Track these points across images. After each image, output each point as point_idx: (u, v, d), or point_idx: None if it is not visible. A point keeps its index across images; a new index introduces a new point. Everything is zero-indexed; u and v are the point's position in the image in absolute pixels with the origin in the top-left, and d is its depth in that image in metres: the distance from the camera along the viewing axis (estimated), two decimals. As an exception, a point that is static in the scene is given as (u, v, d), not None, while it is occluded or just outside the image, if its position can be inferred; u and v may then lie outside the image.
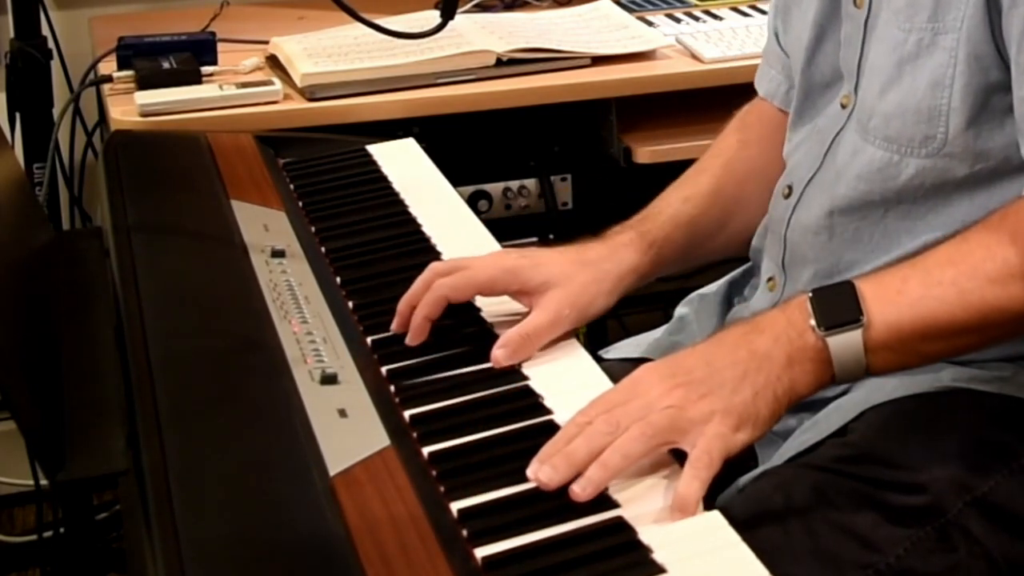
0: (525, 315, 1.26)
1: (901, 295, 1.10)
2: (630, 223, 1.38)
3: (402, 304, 1.26)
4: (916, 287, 1.10)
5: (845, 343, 1.08)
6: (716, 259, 1.47)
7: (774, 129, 1.45)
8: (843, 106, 1.30)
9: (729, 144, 1.48)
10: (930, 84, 1.19)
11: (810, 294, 1.10)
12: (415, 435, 1.10)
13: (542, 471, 1.02)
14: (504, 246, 1.43)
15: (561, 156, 2.17)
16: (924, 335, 1.10)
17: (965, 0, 1.16)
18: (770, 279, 1.37)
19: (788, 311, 1.10)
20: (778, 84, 1.47)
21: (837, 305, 1.09)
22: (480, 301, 1.30)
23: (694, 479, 1.01)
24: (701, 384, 1.06)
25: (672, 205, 1.40)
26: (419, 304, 1.24)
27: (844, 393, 1.25)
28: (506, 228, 1.92)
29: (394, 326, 1.25)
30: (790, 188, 1.34)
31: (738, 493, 1.20)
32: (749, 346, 1.09)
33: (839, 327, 1.08)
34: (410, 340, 1.23)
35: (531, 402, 1.14)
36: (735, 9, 2.33)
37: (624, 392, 1.07)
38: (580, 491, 1.00)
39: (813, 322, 1.08)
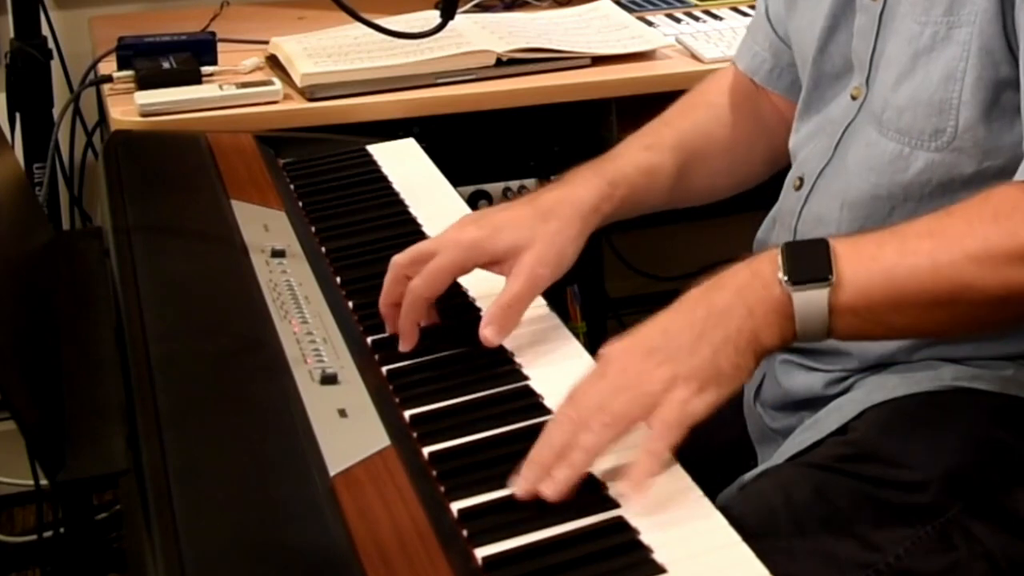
0: (525, 312, 1.26)
1: (875, 261, 1.07)
2: (587, 164, 1.36)
3: (383, 308, 1.25)
4: (891, 254, 1.07)
5: (810, 300, 1.06)
6: (665, 209, 1.46)
7: (749, 104, 1.47)
8: (853, 98, 1.30)
9: (698, 105, 1.48)
10: (942, 77, 1.18)
11: (782, 246, 1.08)
12: (415, 435, 1.10)
13: (515, 483, 1.01)
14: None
15: (561, 156, 2.17)
16: (893, 303, 1.07)
17: None
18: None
19: (755, 263, 1.08)
20: (762, 61, 1.47)
21: (808, 261, 1.07)
22: (481, 302, 1.30)
23: (647, 454, 1.01)
24: (658, 351, 1.05)
25: (632, 150, 1.40)
26: (401, 312, 1.23)
27: (844, 392, 1.25)
28: (506, 228, 1.92)
29: (389, 329, 1.25)
30: (801, 180, 1.34)
31: (738, 492, 1.20)
32: (708, 304, 1.07)
33: (807, 283, 1.06)
34: (403, 347, 1.22)
35: (531, 402, 1.14)
36: (735, 9, 2.33)
37: (592, 378, 1.06)
38: (549, 492, 1.00)
39: (782, 274, 1.06)
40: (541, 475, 1.01)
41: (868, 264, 1.06)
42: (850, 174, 1.27)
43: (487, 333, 1.20)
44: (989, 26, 1.16)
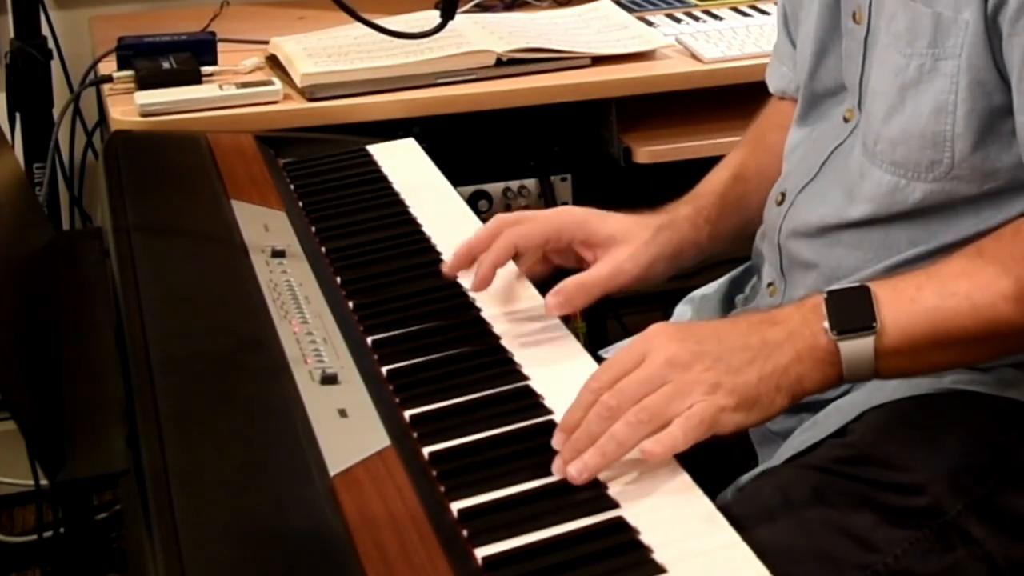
0: (526, 312, 1.28)
1: (915, 304, 1.10)
2: (686, 199, 1.41)
3: (462, 247, 1.26)
4: (930, 296, 1.10)
5: (857, 348, 1.09)
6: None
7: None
8: (846, 120, 1.30)
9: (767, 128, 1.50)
10: (933, 110, 1.18)
11: (825, 295, 1.10)
12: (415, 435, 1.10)
13: (555, 467, 1.03)
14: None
15: (561, 156, 2.17)
16: (935, 343, 1.10)
17: (964, 27, 1.16)
18: (770, 284, 1.37)
19: (804, 310, 1.11)
20: (789, 80, 1.48)
21: (852, 310, 1.09)
22: (480, 301, 1.30)
23: (679, 429, 1.03)
24: (708, 356, 1.07)
25: (723, 184, 1.43)
26: (487, 251, 1.24)
27: (844, 394, 1.25)
28: (506, 228, 1.92)
29: (445, 268, 1.27)
30: (783, 195, 1.35)
31: (737, 493, 1.20)
32: (762, 335, 1.09)
33: (852, 332, 1.09)
34: (475, 287, 1.25)
35: (531, 402, 1.14)
36: (735, 9, 2.33)
37: (634, 355, 1.07)
38: (575, 473, 1.01)
39: (827, 324, 1.09)
40: (574, 458, 1.02)
41: (909, 307, 1.10)
42: (838, 198, 1.27)
43: (551, 300, 1.24)
44: (978, 58, 1.16)
